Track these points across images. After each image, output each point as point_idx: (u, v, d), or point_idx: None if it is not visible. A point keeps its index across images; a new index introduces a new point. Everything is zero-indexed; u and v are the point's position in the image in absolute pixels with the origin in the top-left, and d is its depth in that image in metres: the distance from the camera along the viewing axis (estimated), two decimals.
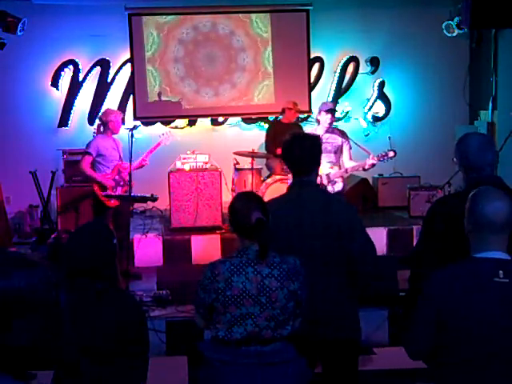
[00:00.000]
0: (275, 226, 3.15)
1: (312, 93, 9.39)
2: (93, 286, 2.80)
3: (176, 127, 9.31)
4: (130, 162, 6.45)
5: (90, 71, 9.12)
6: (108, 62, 9.16)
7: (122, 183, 6.74)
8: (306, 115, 9.31)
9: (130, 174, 6.50)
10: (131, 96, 9.15)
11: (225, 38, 9.29)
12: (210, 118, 9.43)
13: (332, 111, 6.62)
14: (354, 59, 9.45)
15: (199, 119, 9.41)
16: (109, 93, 9.20)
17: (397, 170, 9.08)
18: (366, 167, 6.49)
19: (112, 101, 9.10)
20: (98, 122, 8.32)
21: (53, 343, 1.60)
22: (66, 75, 9.10)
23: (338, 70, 9.46)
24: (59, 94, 9.11)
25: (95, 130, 8.48)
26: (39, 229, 8.31)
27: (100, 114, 7.49)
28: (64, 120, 9.12)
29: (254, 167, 7.78)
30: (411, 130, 9.47)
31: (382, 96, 9.50)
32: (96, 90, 9.17)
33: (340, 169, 6.63)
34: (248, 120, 9.50)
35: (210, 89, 9.30)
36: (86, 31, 8.94)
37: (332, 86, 9.47)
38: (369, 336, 5.31)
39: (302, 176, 3.51)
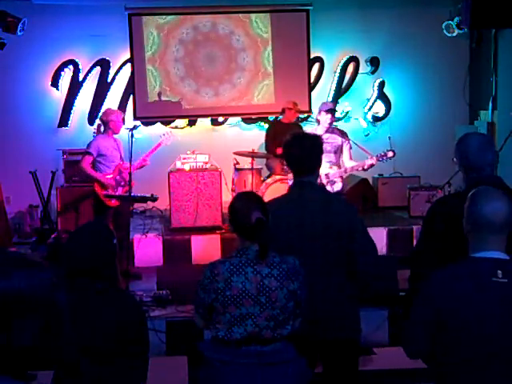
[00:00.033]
0: (276, 226, 3.15)
1: (312, 93, 9.39)
2: (93, 286, 2.80)
3: (176, 127, 9.31)
4: (130, 162, 6.45)
5: (89, 71, 9.13)
6: (108, 62, 9.16)
7: (122, 183, 6.74)
8: (306, 115, 9.31)
9: (130, 174, 6.50)
10: (131, 96, 9.15)
11: (225, 37, 9.29)
12: (210, 118, 9.44)
13: (332, 111, 6.62)
14: (354, 59, 9.46)
15: (199, 119, 9.41)
16: (109, 93, 9.20)
17: (397, 170, 9.08)
18: (366, 167, 6.49)
19: (112, 101, 9.09)
20: (98, 121, 8.33)
21: (53, 343, 1.60)
22: (66, 75, 9.10)
23: (338, 70, 9.46)
24: (59, 94, 9.11)
25: (95, 130, 8.48)
26: (39, 229, 8.31)
27: (101, 113, 7.48)
28: (64, 120, 9.12)
29: (254, 167, 7.78)
30: (411, 130, 9.48)
31: (382, 96, 9.50)
32: (96, 89, 9.17)
33: (339, 169, 6.63)
34: (248, 120, 9.50)
35: (210, 89, 9.30)
36: (86, 31, 8.94)
37: (332, 86, 9.48)
38: (369, 336, 5.31)
39: (303, 176, 3.51)
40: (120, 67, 9.22)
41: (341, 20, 9.25)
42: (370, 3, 9.28)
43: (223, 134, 9.50)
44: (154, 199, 6.78)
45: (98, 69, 9.15)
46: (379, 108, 9.55)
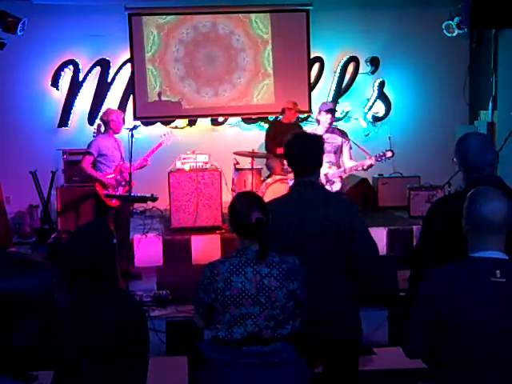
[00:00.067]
0: (276, 226, 3.15)
1: (312, 93, 9.39)
2: (93, 286, 2.80)
3: (176, 127, 9.31)
4: (130, 162, 6.45)
5: (89, 71, 9.12)
6: (108, 62, 9.16)
7: (123, 183, 6.74)
8: (306, 115, 9.31)
9: (130, 174, 6.50)
10: (131, 96, 9.15)
11: (225, 37, 9.29)
12: (210, 118, 9.44)
13: (332, 111, 6.62)
14: (353, 59, 9.45)
15: (199, 119, 9.41)
16: (109, 93, 9.20)
17: (397, 170, 9.08)
18: (365, 167, 6.50)
19: (112, 101, 9.09)
20: (98, 121, 8.33)
21: (53, 343, 1.60)
22: (66, 75, 9.10)
23: (338, 70, 9.46)
24: (59, 94, 9.11)
25: (95, 130, 8.48)
26: (39, 229, 8.31)
27: (101, 113, 7.48)
28: (64, 120, 9.12)
29: (254, 167, 7.78)
30: (411, 130, 9.47)
31: (381, 96, 9.50)
32: (96, 90, 9.17)
33: (339, 169, 6.63)
34: (248, 120, 9.50)
35: (209, 89, 9.30)
36: (86, 31, 8.94)
37: (332, 86, 9.47)
38: (369, 336, 5.31)
39: (303, 176, 3.51)
40: (120, 67, 9.22)
41: (341, 20, 9.25)
42: (370, 3, 9.28)
43: (223, 133, 9.50)
44: (154, 199, 6.78)
45: (98, 69, 9.15)
46: (379, 108, 9.55)
